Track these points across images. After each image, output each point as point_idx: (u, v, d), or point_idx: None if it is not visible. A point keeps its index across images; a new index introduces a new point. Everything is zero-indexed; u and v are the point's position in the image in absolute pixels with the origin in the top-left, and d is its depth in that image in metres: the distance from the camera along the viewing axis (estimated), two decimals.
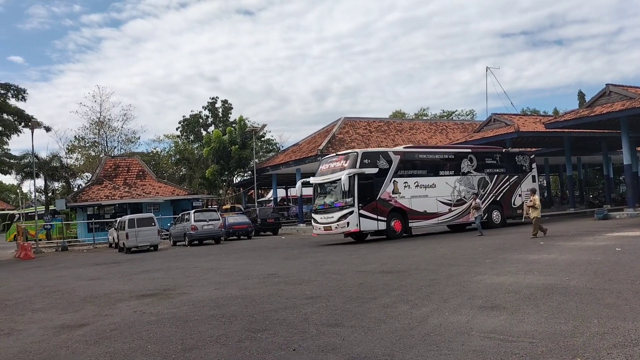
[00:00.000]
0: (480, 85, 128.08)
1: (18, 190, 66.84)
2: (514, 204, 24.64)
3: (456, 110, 75.60)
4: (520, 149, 30.34)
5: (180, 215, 31.54)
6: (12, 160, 39.18)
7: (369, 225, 20.30)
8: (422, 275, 10.72)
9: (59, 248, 33.16)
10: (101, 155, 51.05)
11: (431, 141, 39.03)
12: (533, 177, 26.23)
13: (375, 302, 8.11)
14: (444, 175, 22.94)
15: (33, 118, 32.20)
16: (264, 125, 53.65)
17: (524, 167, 25.93)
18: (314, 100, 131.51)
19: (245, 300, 9.09)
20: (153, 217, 27.08)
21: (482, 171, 24.16)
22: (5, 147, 37.36)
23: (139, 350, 6.16)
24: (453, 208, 22.73)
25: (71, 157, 54.67)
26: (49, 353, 6.30)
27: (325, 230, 21.01)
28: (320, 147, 34.34)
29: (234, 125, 52.79)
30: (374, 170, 20.68)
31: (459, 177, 23.26)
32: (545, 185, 52.06)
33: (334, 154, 22.96)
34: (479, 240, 17.60)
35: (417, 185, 21.82)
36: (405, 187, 21.42)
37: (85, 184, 43.60)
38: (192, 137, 60.11)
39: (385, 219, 20.60)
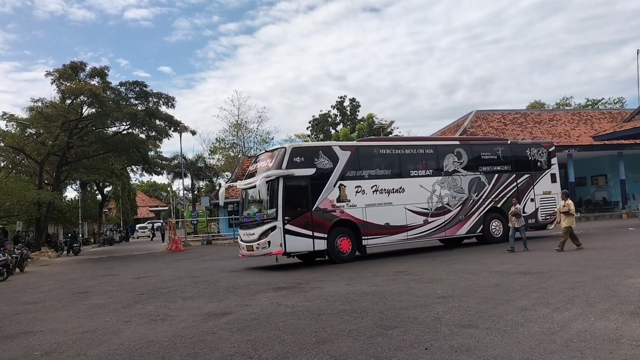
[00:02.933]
0: (629, 70, 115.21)
1: (169, 189, 73.74)
2: (524, 211, 18.31)
3: (602, 99, 69.01)
4: (534, 140, 25.51)
5: None
6: (163, 162, 43.40)
7: (299, 244, 15.26)
8: (565, 277, 9.99)
9: (204, 242, 36.07)
10: (239, 156, 54.47)
11: (574, 133, 35.99)
12: (552, 175, 20.53)
13: (512, 304, 7.74)
14: (418, 176, 17.62)
15: (181, 123, 35.29)
16: (392, 122, 53.37)
17: (538, 164, 20.32)
18: (443, 94, 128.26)
19: (375, 297, 9.18)
20: None
21: (475, 170, 18.83)
22: (157, 150, 41.43)
23: (277, 339, 6.50)
24: (430, 219, 17.46)
25: (213, 158, 59.31)
26: (197, 338, 6.89)
27: (248, 250, 16.01)
28: None
29: (362, 122, 53.32)
30: (309, 172, 15.60)
31: (440, 178, 17.98)
32: None
33: (264, 151, 18.43)
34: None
35: (375, 191, 16.65)
36: (357, 192, 16.30)
37: (226, 182, 46.81)
38: (321, 136, 61.78)
39: (326, 235, 15.55)
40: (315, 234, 15.38)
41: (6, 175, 35.90)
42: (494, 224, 18.81)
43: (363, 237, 16.20)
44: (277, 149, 16.51)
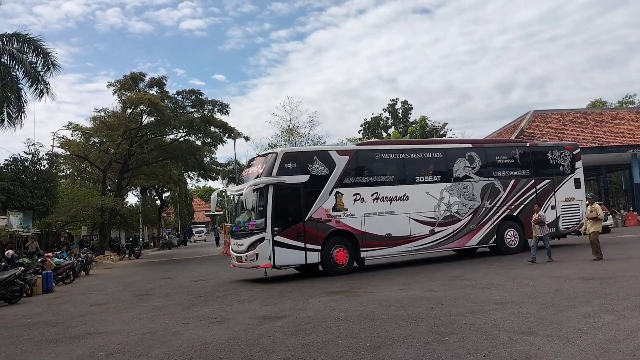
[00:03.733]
0: None
1: (223, 193, 75.22)
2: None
3: None
4: (557, 142, 23.41)
5: None
6: (218, 167, 44.47)
7: (289, 257, 14.27)
8: (630, 282, 9.53)
9: None
10: None
11: (638, 132, 34.25)
12: (576, 180, 18.74)
13: (574, 311, 7.45)
14: (424, 182, 16.29)
15: (235, 129, 36.03)
16: (445, 124, 52.41)
17: (561, 168, 18.63)
18: (497, 95, 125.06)
19: (430, 302, 9.05)
20: None
21: (489, 175, 17.32)
22: (212, 156, 42.48)
23: (331, 344, 6.52)
24: (437, 229, 16.14)
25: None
26: (253, 341, 7.01)
27: (237, 261, 15.23)
28: None
29: (414, 125, 52.73)
30: (302, 179, 14.55)
31: (449, 184, 16.57)
32: None
33: (257, 155, 17.31)
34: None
35: (376, 198, 15.43)
36: (356, 201, 15.14)
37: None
38: (373, 140, 61.59)
39: (319, 247, 14.48)
40: (308, 245, 14.35)
41: (72, 182, 37.72)
42: (509, 233, 17.23)
43: (361, 249, 15.07)
44: (268, 153, 15.54)
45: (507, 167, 17.67)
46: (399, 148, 16.78)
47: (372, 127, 61.31)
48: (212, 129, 35.16)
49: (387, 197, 15.60)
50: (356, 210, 15.09)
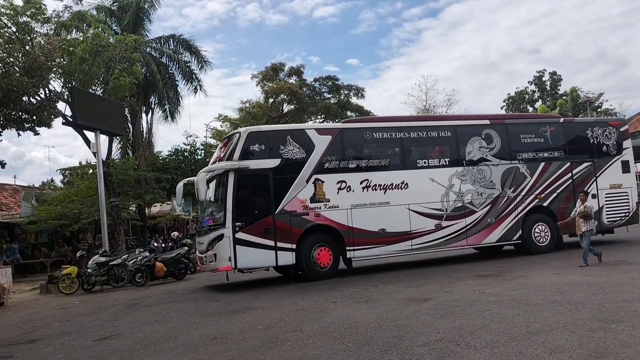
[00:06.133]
0: None
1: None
2: None
3: None
4: (599, 117, 18.48)
5: None
6: None
7: (256, 258, 11.87)
8: None
9: None
10: None
11: None
12: (624, 163, 15.24)
13: None
14: (428, 167, 13.47)
15: (370, 113, 36.26)
16: (601, 94, 47.79)
17: (604, 148, 15.17)
18: None
19: (591, 288, 8.36)
20: None
21: (512, 157, 14.20)
22: None
23: (484, 328, 6.32)
24: (445, 223, 13.29)
25: None
26: (401, 322, 7.03)
27: (201, 263, 13.01)
28: None
29: (564, 97, 48.74)
30: (272, 163, 12.12)
31: (460, 169, 13.65)
32: None
33: (228, 135, 14.65)
34: None
35: (367, 187, 12.79)
36: (341, 189, 12.57)
37: None
38: None
39: (294, 246, 12.07)
40: (280, 244, 11.97)
41: None
42: (537, 228, 14.08)
43: (348, 248, 12.52)
44: (234, 133, 13.17)
45: (535, 148, 14.54)
46: (396, 125, 13.74)
47: (517, 102, 57.90)
48: (349, 113, 35.76)
49: (380, 186, 12.93)
50: (341, 201, 12.55)
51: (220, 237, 11.71)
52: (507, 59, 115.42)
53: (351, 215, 12.57)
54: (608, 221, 14.96)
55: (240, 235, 11.68)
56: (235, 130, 12.49)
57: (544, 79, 57.13)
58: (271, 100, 35.84)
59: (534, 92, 57.75)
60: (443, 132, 13.89)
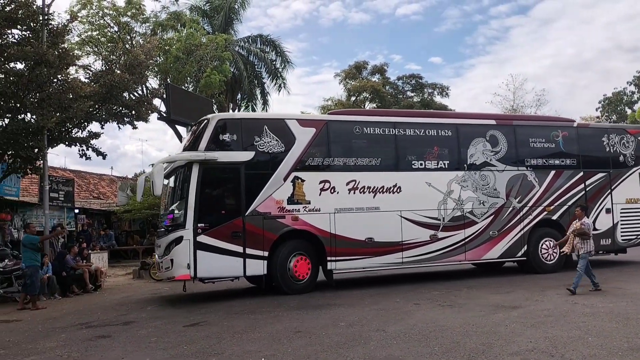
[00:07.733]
0: None
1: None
2: (595, 228, 11.73)
3: None
4: (615, 124, 15.82)
5: None
6: None
7: (220, 266, 10.26)
8: None
9: None
10: None
11: None
12: None
13: None
14: (424, 169, 11.90)
15: (454, 111, 35.51)
16: None
17: (621, 158, 13.54)
18: None
19: None
20: None
21: (519, 163, 12.65)
22: None
23: (579, 340, 5.98)
24: (442, 234, 11.75)
25: None
26: (489, 329, 6.80)
27: (158, 269, 11.62)
28: None
29: None
30: (244, 156, 10.61)
31: (461, 173, 12.13)
32: None
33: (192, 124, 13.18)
34: None
35: (354, 189, 11.24)
36: (323, 190, 11.02)
37: None
38: (614, 118, 54.44)
39: (266, 254, 10.50)
40: (249, 250, 10.40)
41: None
42: (545, 244, 12.58)
43: (329, 258, 10.96)
44: (200, 120, 11.39)
45: (545, 154, 13.03)
46: (389, 121, 12.25)
47: (614, 104, 54.27)
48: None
49: (369, 188, 11.42)
50: (323, 204, 11.02)
51: (179, 239, 10.14)
52: (603, 57, 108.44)
53: (334, 220, 11.08)
54: (623, 239, 13.45)
55: (203, 238, 10.13)
56: (204, 117, 11.29)
57: None
58: (353, 98, 35.92)
59: (633, 92, 53.83)
60: (443, 130, 12.36)
